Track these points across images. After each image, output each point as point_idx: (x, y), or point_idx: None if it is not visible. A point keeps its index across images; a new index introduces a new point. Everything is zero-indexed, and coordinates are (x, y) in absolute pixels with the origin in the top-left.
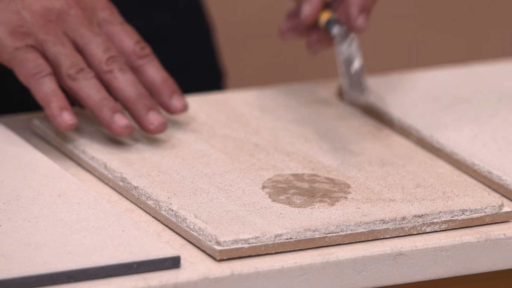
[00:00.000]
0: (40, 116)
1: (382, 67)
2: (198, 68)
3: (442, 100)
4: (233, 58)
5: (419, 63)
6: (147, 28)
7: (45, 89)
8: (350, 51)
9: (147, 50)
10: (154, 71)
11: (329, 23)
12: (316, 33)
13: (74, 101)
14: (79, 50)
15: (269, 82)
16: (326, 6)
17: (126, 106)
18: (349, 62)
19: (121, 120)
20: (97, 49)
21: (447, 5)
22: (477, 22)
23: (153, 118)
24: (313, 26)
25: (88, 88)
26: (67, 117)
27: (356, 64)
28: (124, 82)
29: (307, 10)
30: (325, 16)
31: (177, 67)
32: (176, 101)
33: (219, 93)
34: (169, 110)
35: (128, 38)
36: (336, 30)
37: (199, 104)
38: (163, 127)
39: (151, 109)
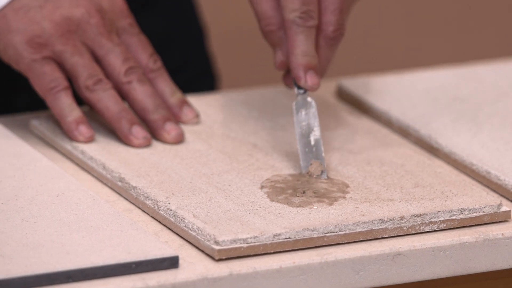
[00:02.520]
0: (39, 116)
1: (381, 67)
2: (191, 72)
3: (440, 100)
4: (227, 62)
5: (418, 63)
6: None
7: (61, 104)
8: (307, 121)
9: (159, 63)
10: (164, 85)
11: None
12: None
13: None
14: (98, 60)
15: (261, 83)
16: None
17: (143, 117)
18: (307, 132)
19: (139, 132)
20: (116, 60)
21: (446, 5)
22: (476, 22)
23: (170, 128)
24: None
25: (106, 100)
26: (83, 130)
27: (313, 136)
28: (142, 93)
29: (278, 58)
30: None
31: (169, 70)
32: (186, 111)
33: (218, 94)
34: (181, 120)
35: (143, 51)
36: (295, 92)
37: (198, 105)
38: (180, 137)
39: (168, 119)
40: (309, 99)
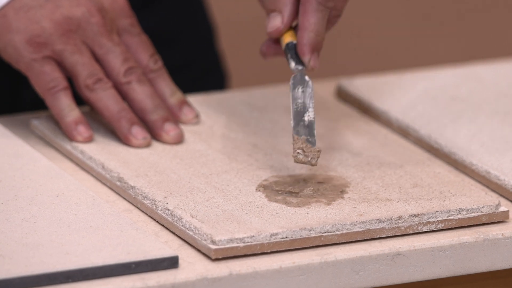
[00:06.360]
0: (39, 116)
1: (381, 67)
2: (199, 69)
3: (440, 100)
4: (235, 59)
5: (418, 63)
6: (144, 26)
7: (60, 104)
8: (303, 100)
9: (160, 63)
10: (164, 85)
11: (288, 49)
12: (270, 41)
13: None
14: (98, 59)
15: (270, 82)
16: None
17: (142, 117)
18: (301, 112)
19: (138, 133)
20: (115, 60)
21: (446, 5)
22: (476, 22)
23: (169, 129)
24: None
25: (106, 99)
26: (82, 130)
27: (308, 116)
28: (141, 93)
29: (276, 24)
30: (287, 37)
31: (175, 67)
32: (186, 111)
33: (218, 93)
34: (180, 120)
35: (143, 51)
36: (293, 66)
37: (199, 104)
38: (179, 137)
39: (167, 120)
40: (306, 77)
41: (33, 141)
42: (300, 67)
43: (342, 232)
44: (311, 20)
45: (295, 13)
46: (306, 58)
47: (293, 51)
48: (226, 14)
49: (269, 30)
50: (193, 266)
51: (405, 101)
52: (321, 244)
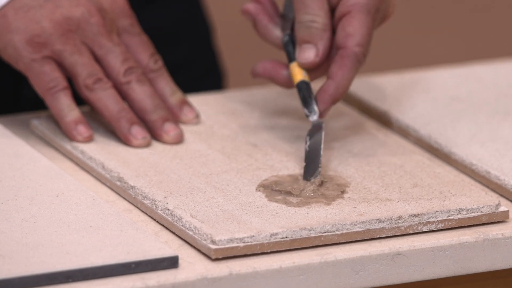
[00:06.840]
0: (39, 116)
1: (381, 66)
2: (197, 69)
3: (440, 99)
4: (233, 59)
5: (418, 63)
6: (144, 26)
7: (60, 104)
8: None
9: (160, 63)
10: (164, 84)
11: (307, 91)
12: (269, 64)
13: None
14: (98, 59)
15: (269, 82)
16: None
17: (142, 117)
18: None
19: (138, 133)
20: (115, 60)
21: (446, 5)
22: (476, 22)
23: (169, 129)
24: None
25: (106, 99)
26: (82, 130)
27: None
28: (141, 93)
29: (310, 57)
30: (303, 74)
31: (174, 67)
32: (186, 111)
33: (218, 93)
34: (180, 120)
35: (143, 51)
36: (314, 119)
37: (199, 104)
38: (179, 137)
39: (167, 120)
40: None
41: (33, 141)
42: (317, 118)
43: (342, 232)
44: (347, 76)
45: (330, 48)
46: (323, 107)
47: (311, 95)
48: (223, 13)
49: (301, 61)
50: (193, 266)
51: (405, 101)
52: (321, 244)
